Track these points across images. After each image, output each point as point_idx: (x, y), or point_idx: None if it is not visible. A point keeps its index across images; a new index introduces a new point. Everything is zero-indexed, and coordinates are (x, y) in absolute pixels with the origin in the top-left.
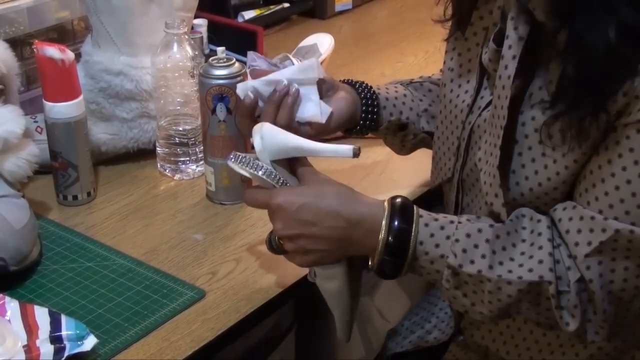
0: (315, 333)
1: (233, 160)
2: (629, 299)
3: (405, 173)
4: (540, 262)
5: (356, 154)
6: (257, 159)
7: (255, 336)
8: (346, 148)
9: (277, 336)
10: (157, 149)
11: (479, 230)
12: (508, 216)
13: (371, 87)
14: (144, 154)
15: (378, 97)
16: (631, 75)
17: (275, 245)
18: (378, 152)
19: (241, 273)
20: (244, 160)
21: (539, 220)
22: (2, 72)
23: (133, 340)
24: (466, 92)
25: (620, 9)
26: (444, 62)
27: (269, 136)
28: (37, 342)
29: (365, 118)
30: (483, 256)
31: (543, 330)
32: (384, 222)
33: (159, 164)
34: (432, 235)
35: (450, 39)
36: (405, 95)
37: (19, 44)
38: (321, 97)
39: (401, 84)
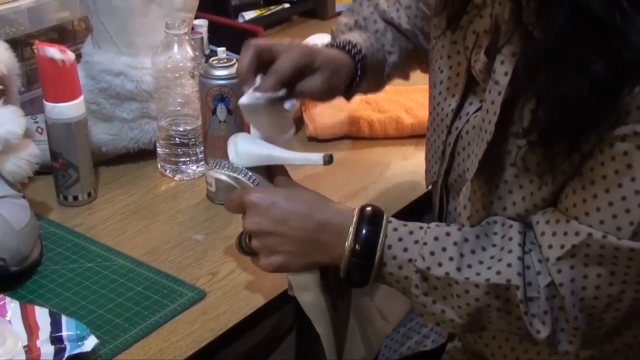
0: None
1: (211, 166)
2: (602, 308)
3: (405, 174)
4: (509, 265)
5: (326, 161)
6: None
7: (256, 337)
8: (316, 156)
9: (278, 336)
10: (158, 149)
11: (447, 234)
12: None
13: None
14: (144, 154)
15: (365, 63)
16: (605, 120)
17: (245, 245)
18: (378, 153)
19: (242, 273)
20: (220, 164)
21: (510, 226)
22: (2, 73)
23: (133, 340)
24: (453, 96)
25: (596, 63)
26: (432, 62)
27: (242, 146)
28: (38, 343)
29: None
30: (451, 259)
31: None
32: (351, 228)
33: (159, 165)
34: (400, 239)
35: (439, 39)
36: (372, 45)
37: (19, 45)
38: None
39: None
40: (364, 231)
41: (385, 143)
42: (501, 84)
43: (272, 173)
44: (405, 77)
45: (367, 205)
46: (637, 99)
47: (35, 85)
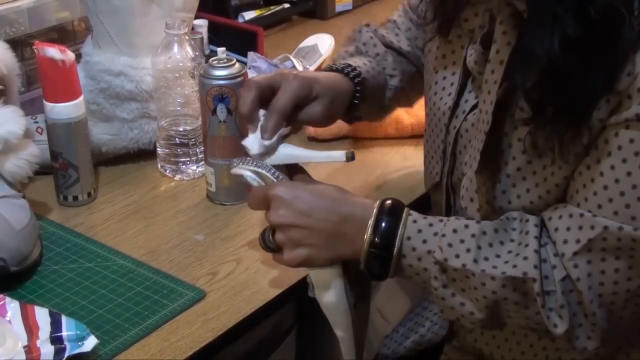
0: (316, 333)
1: (235, 164)
2: (621, 304)
3: (405, 174)
4: (525, 258)
5: (349, 157)
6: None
7: (256, 337)
8: (339, 153)
9: (278, 336)
10: (158, 149)
11: (466, 226)
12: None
13: (359, 76)
14: (144, 154)
15: (365, 86)
16: (606, 91)
17: (268, 240)
18: (378, 153)
19: (241, 273)
20: (245, 161)
21: (527, 220)
22: (2, 73)
23: (133, 340)
24: (449, 94)
25: (565, 20)
26: (427, 65)
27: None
28: (38, 343)
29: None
30: (468, 250)
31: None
32: (370, 221)
33: (159, 165)
34: (419, 231)
35: (433, 40)
36: (373, 69)
37: (19, 45)
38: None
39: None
40: (383, 223)
41: (385, 143)
42: (497, 73)
43: (292, 172)
44: (410, 103)
45: (388, 198)
46: (637, 81)
47: (35, 85)
